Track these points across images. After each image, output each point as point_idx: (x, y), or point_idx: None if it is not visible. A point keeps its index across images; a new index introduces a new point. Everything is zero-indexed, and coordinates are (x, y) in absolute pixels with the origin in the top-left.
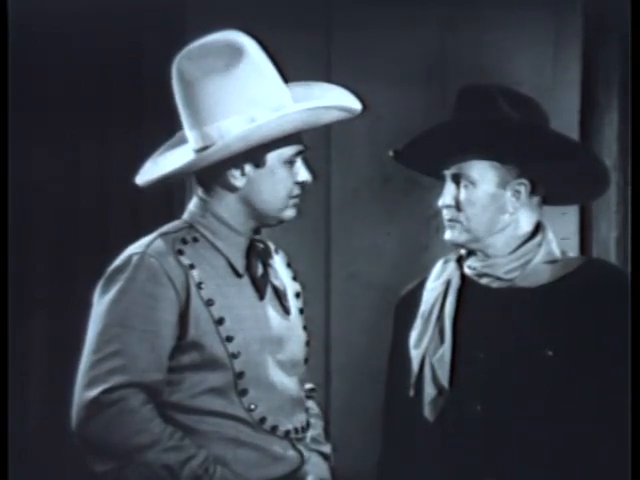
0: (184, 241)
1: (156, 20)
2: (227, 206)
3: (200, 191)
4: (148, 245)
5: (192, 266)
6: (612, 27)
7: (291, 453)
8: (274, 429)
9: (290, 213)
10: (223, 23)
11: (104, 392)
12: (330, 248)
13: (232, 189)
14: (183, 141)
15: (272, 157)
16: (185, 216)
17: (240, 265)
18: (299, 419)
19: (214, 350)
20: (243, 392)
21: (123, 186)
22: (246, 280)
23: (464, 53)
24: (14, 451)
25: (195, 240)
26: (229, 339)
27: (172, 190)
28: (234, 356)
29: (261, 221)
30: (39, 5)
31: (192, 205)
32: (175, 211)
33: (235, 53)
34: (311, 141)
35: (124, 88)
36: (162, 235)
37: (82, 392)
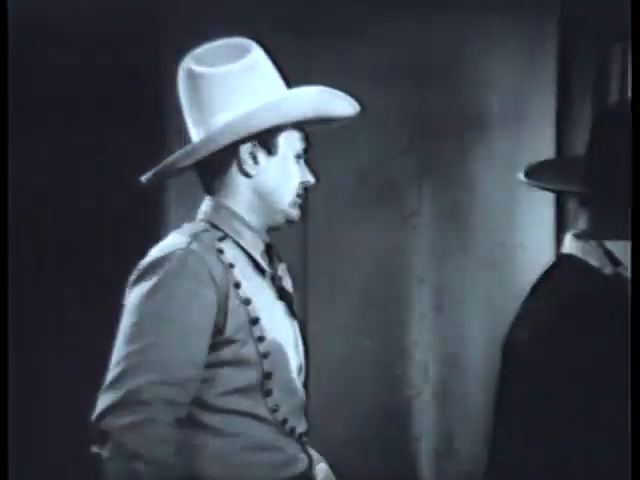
0: (221, 239)
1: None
2: (241, 201)
3: (212, 192)
4: (190, 242)
5: (232, 265)
6: (588, 26)
7: (302, 456)
8: (292, 431)
9: (296, 213)
10: (214, 23)
11: (135, 389)
12: (307, 249)
13: (246, 175)
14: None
15: (284, 148)
16: (201, 217)
17: (265, 265)
18: (304, 423)
19: (246, 349)
20: (268, 392)
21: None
22: (268, 282)
23: (444, 53)
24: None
25: (226, 239)
26: (261, 339)
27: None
28: (264, 356)
29: (271, 217)
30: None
31: (206, 207)
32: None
33: (239, 51)
34: None
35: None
36: (200, 233)
37: (112, 384)
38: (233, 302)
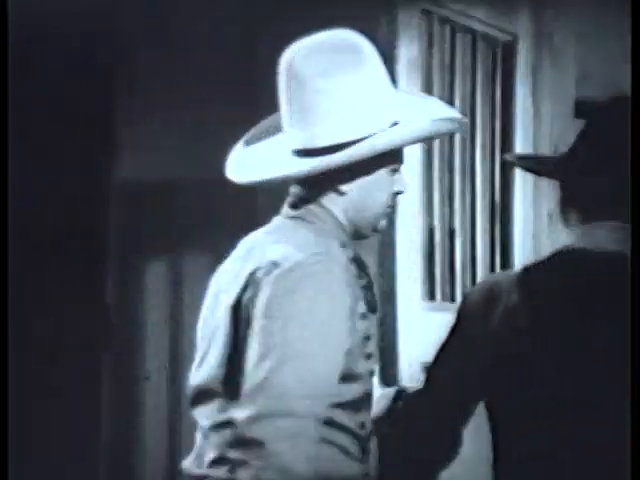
0: (350, 251)
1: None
2: (340, 211)
3: (314, 196)
4: (326, 250)
5: (359, 276)
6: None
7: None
8: (368, 451)
9: (384, 223)
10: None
11: (284, 398)
12: None
13: (340, 193)
14: (274, 131)
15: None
16: (311, 219)
17: (365, 279)
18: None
19: (358, 365)
20: (359, 409)
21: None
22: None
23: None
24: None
25: (344, 249)
26: (368, 356)
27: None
28: (371, 374)
29: (360, 229)
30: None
31: (315, 211)
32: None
33: (356, 54)
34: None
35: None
36: (327, 240)
37: (258, 389)
38: (355, 315)
